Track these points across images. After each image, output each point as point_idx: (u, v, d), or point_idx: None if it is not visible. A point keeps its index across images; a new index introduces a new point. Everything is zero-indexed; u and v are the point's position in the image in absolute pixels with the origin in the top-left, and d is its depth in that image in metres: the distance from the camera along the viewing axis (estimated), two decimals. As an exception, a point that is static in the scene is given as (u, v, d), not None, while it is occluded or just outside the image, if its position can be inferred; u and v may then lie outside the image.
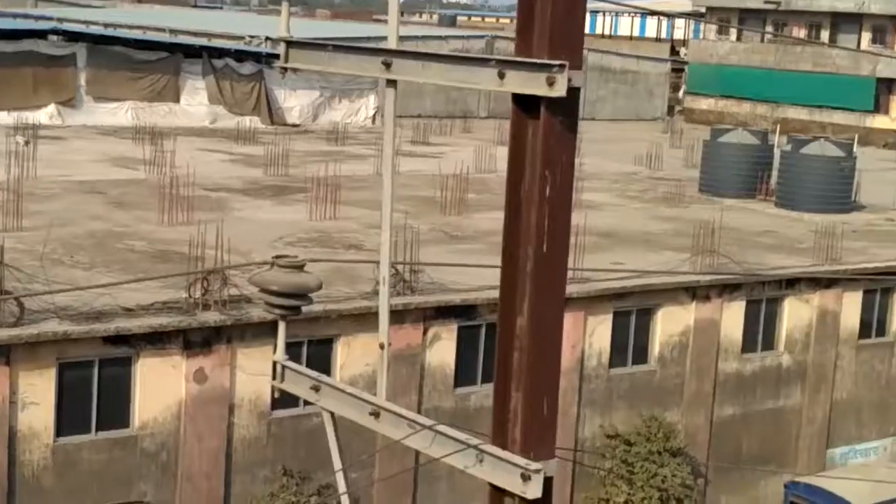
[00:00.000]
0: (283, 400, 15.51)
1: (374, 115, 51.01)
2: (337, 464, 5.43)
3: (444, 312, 21.21)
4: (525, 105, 4.53)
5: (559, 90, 4.38)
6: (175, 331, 18.58)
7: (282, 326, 5.60)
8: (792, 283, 25.76)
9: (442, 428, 4.82)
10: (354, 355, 20.37)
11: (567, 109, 4.49)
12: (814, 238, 27.61)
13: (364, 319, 19.80)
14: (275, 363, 5.54)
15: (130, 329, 18.22)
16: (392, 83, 5.14)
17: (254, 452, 19.80)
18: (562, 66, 4.37)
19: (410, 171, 34.80)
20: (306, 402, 6.39)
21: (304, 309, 5.65)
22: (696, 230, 25.47)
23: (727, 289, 24.73)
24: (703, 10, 79.08)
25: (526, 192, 4.53)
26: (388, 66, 5.04)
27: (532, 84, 4.45)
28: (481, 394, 21.53)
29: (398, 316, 20.04)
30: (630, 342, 23.76)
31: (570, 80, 4.38)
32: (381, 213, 5.16)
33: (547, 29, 4.46)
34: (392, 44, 5.12)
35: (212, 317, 18.88)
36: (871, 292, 27.11)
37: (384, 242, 5.17)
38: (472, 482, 5.61)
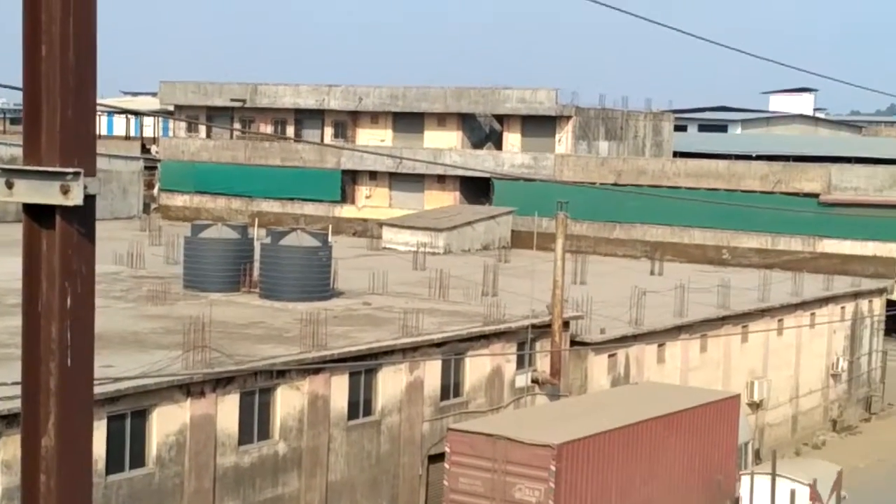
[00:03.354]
0: None
1: None
2: None
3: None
4: (37, 215, 4.35)
5: (75, 199, 4.26)
6: None
7: None
8: (283, 372, 26.36)
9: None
10: None
11: (84, 218, 4.37)
12: (299, 326, 28.48)
13: None
14: None
15: None
16: None
17: None
18: (76, 174, 4.26)
19: None
20: None
21: None
22: (186, 326, 25.42)
23: (221, 383, 24.84)
24: (171, 107, 79.75)
25: (44, 306, 4.34)
26: None
27: (45, 193, 4.29)
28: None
29: None
30: (126, 446, 23.13)
31: (86, 187, 4.28)
32: None
33: (57, 135, 4.33)
34: None
35: None
36: (356, 374, 28.37)
37: None
38: None
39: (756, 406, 42.54)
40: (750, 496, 31.39)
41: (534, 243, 60.08)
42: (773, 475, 30.59)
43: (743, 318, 42.23)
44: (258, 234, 40.00)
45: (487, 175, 65.09)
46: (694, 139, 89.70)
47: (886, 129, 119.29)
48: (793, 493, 31.26)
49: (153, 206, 76.41)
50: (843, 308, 49.07)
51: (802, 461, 38.72)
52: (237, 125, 76.53)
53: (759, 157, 72.93)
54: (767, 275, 47.31)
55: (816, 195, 59.16)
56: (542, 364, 33.79)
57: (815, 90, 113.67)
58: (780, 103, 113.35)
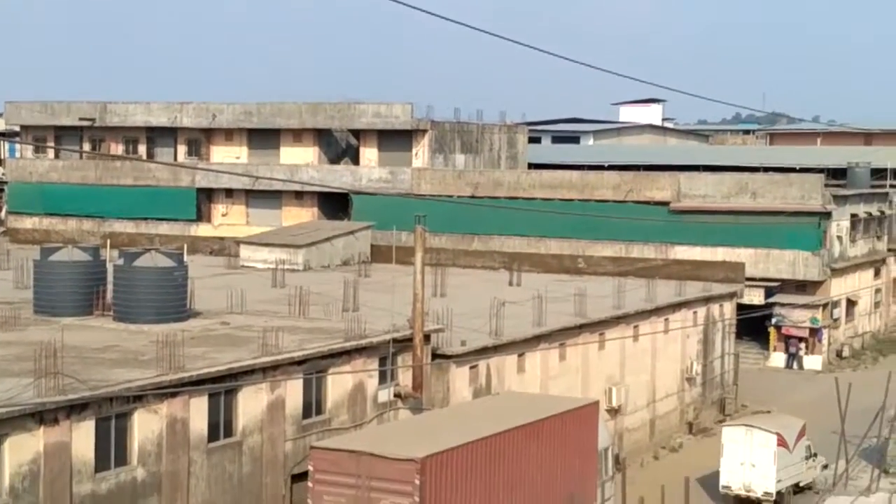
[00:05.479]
0: None
1: None
2: None
3: None
4: None
5: None
6: None
7: None
8: (139, 396, 25.82)
9: None
10: None
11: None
12: (156, 349, 27.95)
13: None
14: None
15: None
16: None
17: None
18: None
19: None
20: None
21: None
22: (37, 353, 24.72)
23: (75, 409, 24.20)
24: (17, 128, 77.65)
25: None
26: None
27: None
28: None
29: None
30: (-23, 479, 22.35)
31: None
32: None
33: None
34: None
35: None
36: (215, 395, 27.95)
37: None
38: None
39: (615, 411, 43.33)
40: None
41: (393, 257, 60.17)
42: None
43: (600, 325, 42.99)
44: (111, 256, 39.13)
45: (345, 190, 65.02)
46: (548, 151, 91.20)
47: (732, 138, 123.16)
48: (780, 437, 37.22)
49: (1, 229, 74.22)
50: (695, 313, 50.34)
51: (770, 416, 43.31)
52: (87, 145, 74.88)
53: (611, 167, 74.50)
54: (622, 282, 48.28)
55: (667, 203, 60.69)
56: (405, 378, 33.83)
57: (664, 101, 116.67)
58: (630, 114, 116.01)
